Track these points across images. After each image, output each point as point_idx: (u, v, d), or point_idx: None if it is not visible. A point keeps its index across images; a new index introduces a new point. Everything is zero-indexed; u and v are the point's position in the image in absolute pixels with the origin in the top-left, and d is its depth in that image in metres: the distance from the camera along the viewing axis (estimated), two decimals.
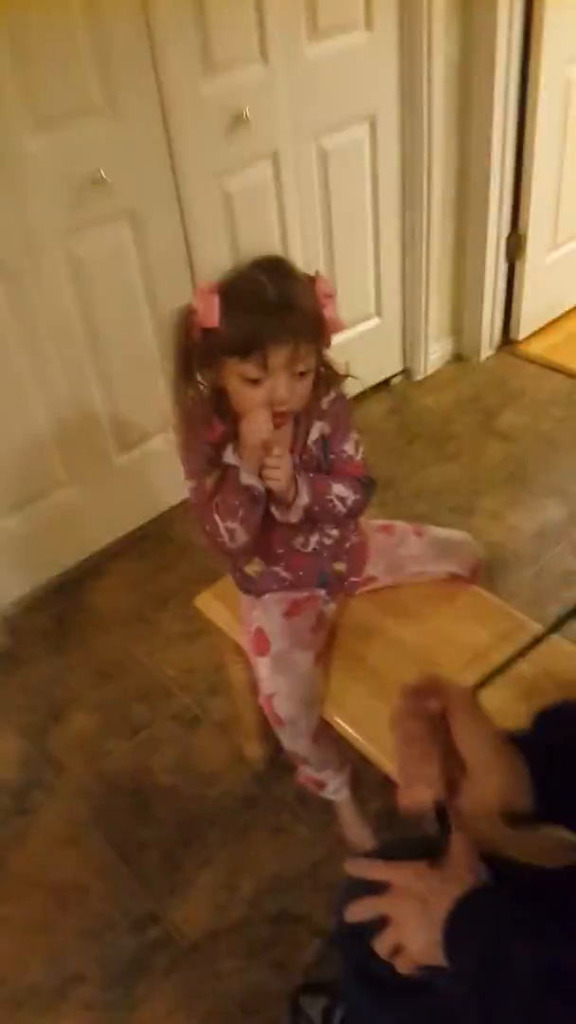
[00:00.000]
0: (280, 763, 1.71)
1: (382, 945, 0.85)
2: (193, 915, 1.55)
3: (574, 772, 0.85)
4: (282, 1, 1.96)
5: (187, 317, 1.16)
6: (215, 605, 1.50)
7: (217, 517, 1.22)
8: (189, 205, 2.02)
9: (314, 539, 1.34)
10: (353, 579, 1.41)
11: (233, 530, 1.22)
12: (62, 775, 1.81)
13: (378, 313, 2.69)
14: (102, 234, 1.91)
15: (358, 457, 1.31)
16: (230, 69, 1.95)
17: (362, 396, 2.76)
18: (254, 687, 1.41)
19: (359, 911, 0.88)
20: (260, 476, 1.19)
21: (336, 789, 1.50)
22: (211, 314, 1.12)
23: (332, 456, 1.29)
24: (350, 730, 1.28)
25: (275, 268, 1.16)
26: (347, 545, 1.39)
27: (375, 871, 0.90)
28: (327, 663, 1.36)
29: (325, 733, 1.37)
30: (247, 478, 1.19)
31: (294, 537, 1.32)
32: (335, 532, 1.35)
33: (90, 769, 1.81)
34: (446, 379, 2.89)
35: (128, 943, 1.53)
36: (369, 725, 1.27)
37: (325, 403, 1.26)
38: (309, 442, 1.27)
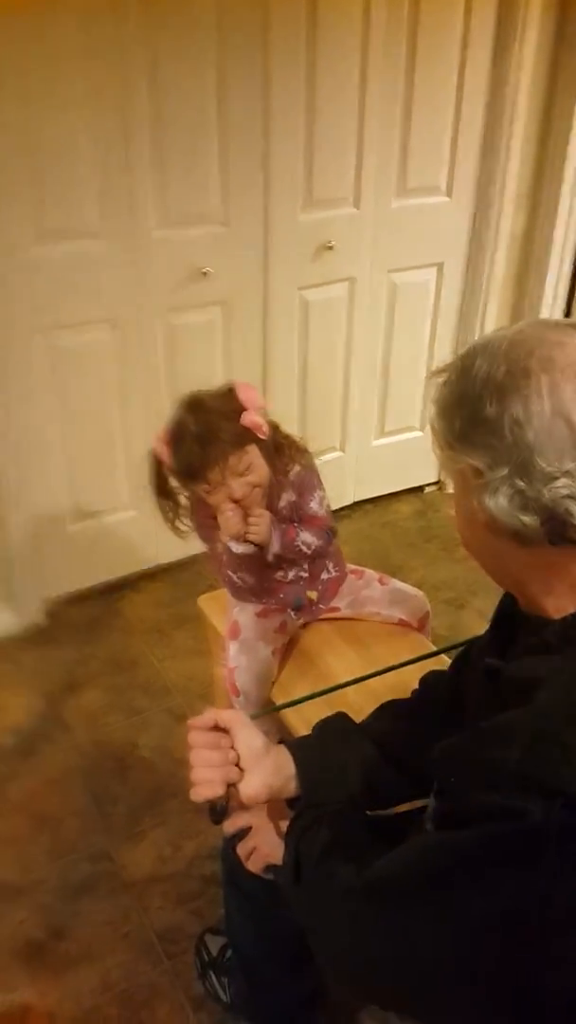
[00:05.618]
0: None
1: (243, 847, 1.16)
2: (140, 860, 1.87)
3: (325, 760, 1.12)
4: (379, 162, 2.47)
5: (156, 458, 1.58)
6: (211, 604, 1.90)
7: (228, 571, 1.66)
8: (272, 305, 2.49)
9: (292, 573, 1.72)
10: (321, 606, 1.77)
11: (242, 576, 1.66)
12: (65, 733, 2.17)
13: (421, 428, 3.08)
14: (198, 314, 2.39)
15: (321, 512, 1.67)
16: (326, 207, 2.45)
17: (397, 495, 3.16)
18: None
19: (233, 823, 1.17)
20: (245, 537, 1.56)
21: None
22: (165, 457, 1.55)
23: (301, 513, 1.66)
24: (289, 711, 1.62)
25: (194, 405, 1.53)
26: (323, 577, 1.75)
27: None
28: (283, 659, 1.72)
29: None
30: (236, 547, 1.59)
31: (278, 572, 1.71)
32: (307, 567, 1.72)
33: (89, 734, 2.17)
34: None
35: (83, 867, 1.85)
36: (305, 711, 1.60)
37: (292, 475, 1.64)
38: (280, 506, 1.65)
